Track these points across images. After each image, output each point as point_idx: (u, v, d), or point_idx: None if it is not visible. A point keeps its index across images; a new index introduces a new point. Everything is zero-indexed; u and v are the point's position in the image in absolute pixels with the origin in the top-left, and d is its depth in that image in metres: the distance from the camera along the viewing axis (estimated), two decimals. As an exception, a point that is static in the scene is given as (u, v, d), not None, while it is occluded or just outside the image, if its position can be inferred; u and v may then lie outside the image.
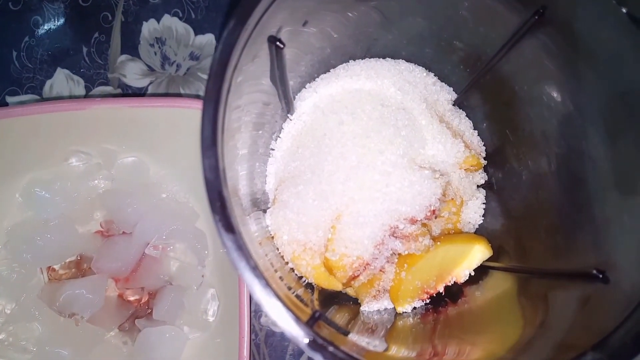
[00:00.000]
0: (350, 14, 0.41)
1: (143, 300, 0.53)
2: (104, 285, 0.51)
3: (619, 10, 0.29)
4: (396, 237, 0.42)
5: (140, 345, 0.49)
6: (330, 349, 0.25)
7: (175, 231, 0.52)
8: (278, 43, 0.31)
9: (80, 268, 0.53)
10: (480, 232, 0.49)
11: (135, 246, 0.51)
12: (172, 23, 0.61)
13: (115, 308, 0.52)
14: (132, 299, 0.54)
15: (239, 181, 0.38)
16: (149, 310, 0.52)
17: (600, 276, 0.31)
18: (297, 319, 0.26)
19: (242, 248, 0.25)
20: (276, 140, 0.47)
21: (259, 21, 0.28)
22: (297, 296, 0.38)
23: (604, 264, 0.31)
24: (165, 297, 0.51)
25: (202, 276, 0.53)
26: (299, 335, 0.25)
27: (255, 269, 0.25)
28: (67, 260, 0.53)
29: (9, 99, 0.60)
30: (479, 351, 0.35)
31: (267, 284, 0.25)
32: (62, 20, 0.61)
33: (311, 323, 0.27)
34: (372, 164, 0.42)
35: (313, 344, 0.25)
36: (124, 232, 0.53)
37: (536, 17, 0.34)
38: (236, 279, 0.46)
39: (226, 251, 0.25)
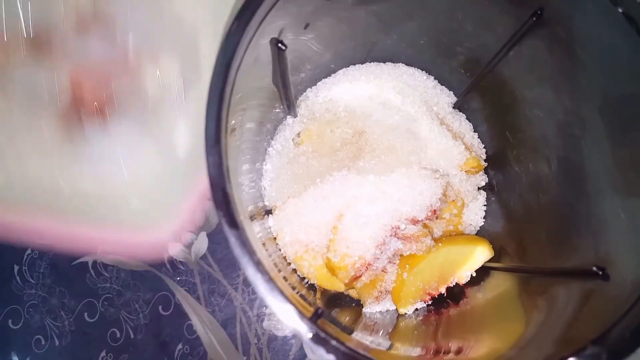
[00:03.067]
0: (350, 19, 0.41)
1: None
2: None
3: (614, 10, 0.30)
4: (398, 238, 0.42)
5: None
6: (333, 342, 0.25)
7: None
8: (280, 45, 0.32)
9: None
10: (481, 233, 0.49)
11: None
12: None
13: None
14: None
15: (242, 182, 0.38)
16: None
17: (600, 273, 0.31)
18: (301, 314, 0.26)
19: (245, 244, 0.25)
20: (278, 142, 0.47)
21: (261, 23, 0.28)
22: (301, 296, 0.38)
23: (604, 262, 0.32)
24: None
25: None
26: (303, 329, 0.25)
27: (258, 264, 0.25)
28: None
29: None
30: (482, 349, 0.35)
31: (270, 279, 0.25)
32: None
33: (314, 319, 0.27)
34: (373, 166, 0.42)
35: (316, 338, 0.25)
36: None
37: (534, 19, 0.34)
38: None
39: (230, 247, 0.25)
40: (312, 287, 0.45)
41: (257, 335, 0.56)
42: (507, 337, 0.35)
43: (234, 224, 0.25)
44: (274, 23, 0.31)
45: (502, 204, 0.48)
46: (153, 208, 0.47)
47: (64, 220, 0.45)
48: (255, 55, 0.32)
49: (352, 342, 0.31)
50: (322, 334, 0.25)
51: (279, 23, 0.32)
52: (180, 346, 0.56)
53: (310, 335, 0.25)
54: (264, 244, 0.39)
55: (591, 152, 0.35)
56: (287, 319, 0.25)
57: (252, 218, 0.39)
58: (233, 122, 0.33)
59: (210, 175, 0.25)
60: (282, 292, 0.25)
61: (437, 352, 0.36)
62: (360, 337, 0.36)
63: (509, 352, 0.32)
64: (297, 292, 0.37)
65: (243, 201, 0.38)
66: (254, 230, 0.35)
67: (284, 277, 0.38)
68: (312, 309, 0.30)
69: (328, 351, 0.25)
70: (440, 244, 0.44)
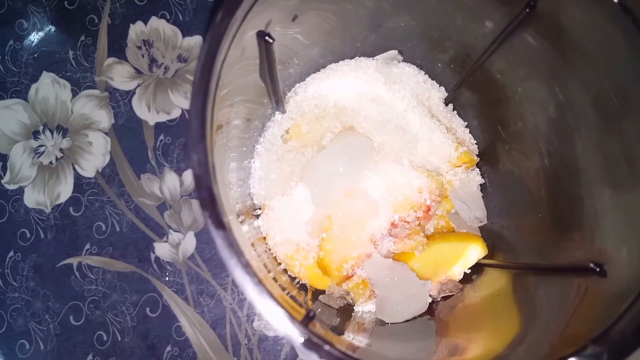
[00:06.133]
0: (339, 12, 0.40)
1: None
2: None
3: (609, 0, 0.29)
4: (390, 235, 0.41)
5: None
6: (326, 347, 0.24)
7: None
8: (267, 38, 0.31)
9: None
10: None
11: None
12: (159, 25, 0.60)
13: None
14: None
15: (229, 180, 0.37)
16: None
17: (598, 270, 0.30)
18: (292, 317, 0.25)
19: (233, 245, 0.24)
20: (266, 139, 0.46)
21: (248, 13, 0.27)
22: (292, 297, 0.37)
23: (601, 257, 0.31)
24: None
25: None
26: (294, 334, 0.24)
27: (247, 267, 0.24)
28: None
29: (-7, 104, 0.59)
30: (476, 348, 0.35)
31: (259, 282, 0.24)
32: (47, 24, 0.60)
33: (306, 322, 0.26)
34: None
35: (308, 343, 0.24)
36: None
37: (527, 10, 0.34)
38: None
39: (217, 249, 0.24)
40: (303, 288, 0.44)
41: (248, 335, 0.55)
42: (503, 336, 0.34)
43: (220, 224, 0.24)
44: (261, 14, 0.30)
45: (495, 199, 0.47)
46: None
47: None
48: (242, 49, 0.31)
49: (343, 344, 0.30)
50: (315, 339, 0.24)
51: (265, 15, 0.31)
52: (169, 348, 0.55)
53: (302, 340, 0.24)
54: (252, 245, 0.38)
55: (584, 145, 0.35)
56: (277, 323, 0.24)
57: (240, 217, 0.38)
58: (220, 118, 0.31)
59: (196, 173, 0.24)
60: (272, 295, 0.24)
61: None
62: (352, 338, 0.35)
63: (505, 351, 0.31)
64: (288, 293, 0.36)
65: (230, 200, 0.36)
66: (242, 231, 0.34)
67: (274, 278, 0.37)
68: (303, 311, 0.29)
69: (321, 356, 0.24)
70: (433, 241, 0.43)
